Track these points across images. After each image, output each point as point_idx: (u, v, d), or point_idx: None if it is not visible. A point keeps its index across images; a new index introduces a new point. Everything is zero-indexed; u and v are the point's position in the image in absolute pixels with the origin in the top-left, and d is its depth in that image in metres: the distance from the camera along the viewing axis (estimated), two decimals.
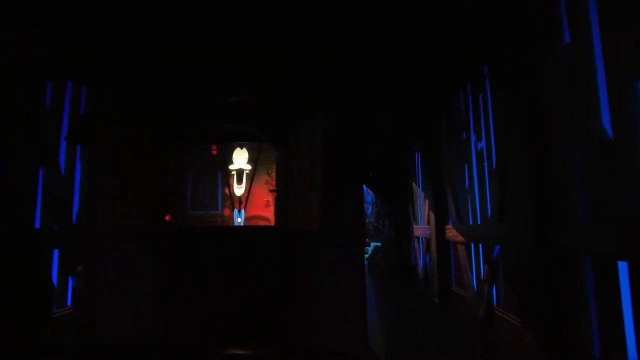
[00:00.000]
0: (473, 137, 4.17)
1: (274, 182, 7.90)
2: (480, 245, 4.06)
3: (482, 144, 3.92)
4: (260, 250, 3.48)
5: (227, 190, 9.13)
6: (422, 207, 6.45)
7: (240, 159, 8.74)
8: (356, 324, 3.13)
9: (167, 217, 4.75)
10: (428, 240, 6.11)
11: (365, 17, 3.29)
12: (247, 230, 5.98)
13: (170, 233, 3.76)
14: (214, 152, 9.04)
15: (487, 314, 3.72)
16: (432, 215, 5.36)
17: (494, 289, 3.70)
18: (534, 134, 2.70)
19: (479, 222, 4.05)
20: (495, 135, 3.64)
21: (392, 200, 8.28)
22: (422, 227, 6.36)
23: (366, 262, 8.55)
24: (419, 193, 6.84)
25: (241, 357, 3.04)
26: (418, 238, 6.91)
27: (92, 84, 4.39)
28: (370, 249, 9.99)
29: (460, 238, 4.45)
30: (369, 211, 12.02)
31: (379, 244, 9.70)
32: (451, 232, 4.79)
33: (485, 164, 3.86)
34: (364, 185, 8.36)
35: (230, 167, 8.84)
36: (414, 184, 7.19)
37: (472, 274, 4.27)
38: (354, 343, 3.10)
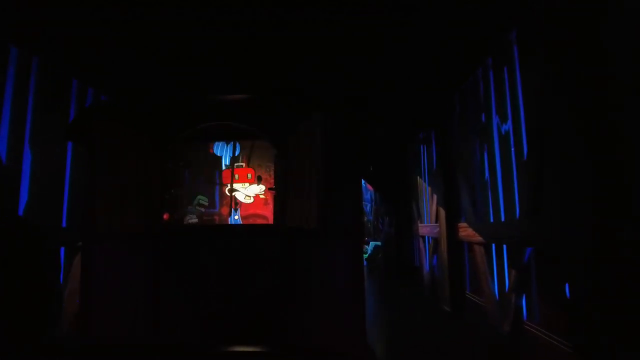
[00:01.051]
0: (495, 119, 3.54)
1: (272, 180, 7.60)
2: (504, 246, 3.44)
3: (508, 126, 3.29)
4: (259, 249, 3.45)
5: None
6: (429, 203, 5.83)
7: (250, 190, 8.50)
8: (355, 323, 3.15)
9: (165, 216, 4.93)
10: (436, 240, 5.49)
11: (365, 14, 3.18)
12: (246, 228, 5.67)
13: (169, 232, 3.75)
14: (211, 151, 8.64)
15: (515, 329, 3.10)
16: (442, 212, 4.73)
17: (524, 300, 3.08)
18: (595, 101, 2.07)
19: (502, 219, 3.43)
20: (526, 113, 3.02)
21: (393, 196, 7.66)
22: (429, 226, 5.73)
23: (365, 263, 8.01)
24: (424, 188, 6.22)
25: (241, 357, 3.07)
26: (423, 237, 6.29)
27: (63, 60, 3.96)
28: (369, 248, 9.38)
29: (478, 238, 3.83)
30: (367, 209, 11.41)
31: (379, 243, 9.09)
32: (466, 231, 4.16)
33: (512, 149, 3.24)
34: (362, 182, 7.85)
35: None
36: (418, 178, 6.57)
37: (494, 280, 3.65)
38: (353, 342, 3.12)
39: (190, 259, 3.47)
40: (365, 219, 10.98)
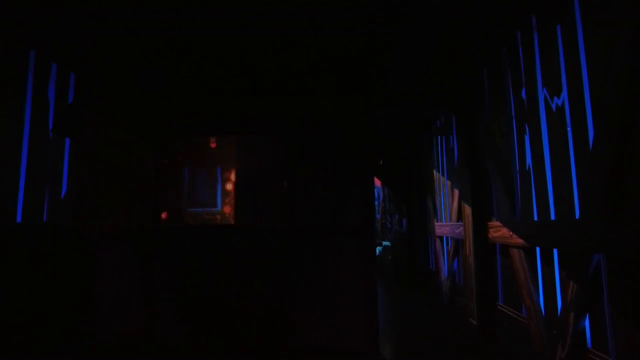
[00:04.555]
0: (542, 93, 2.85)
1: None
2: (554, 251, 2.76)
3: (562, 99, 2.60)
4: (261, 249, 3.37)
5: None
6: (449, 199, 5.14)
7: None
8: (365, 323, 3.09)
9: (163, 215, 4.73)
10: (457, 242, 4.81)
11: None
12: (248, 228, 5.44)
13: (166, 232, 3.64)
14: (213, 146, 8.04)
15: (573, 356, 2.42)
16: (468, 209, 4.04)
17: (588, 321, 2.40)
18: None
19: (552, 218, 2.74)
20: (591, 80, 2.33)
21: (405, 191, 6.98)
22: (448, 225, 5.05)
23: None
24: (442, 182, 5.53)
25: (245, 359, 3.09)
26: (441, 238, 5.60)
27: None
28: (378, 249, 8.72)
29: (517, 240, 3.14)
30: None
31: (388, 243, 8.43)
32: (499, 231, 3.48)
33: (569, 128, 2.55)
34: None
35: None
36: (435, 171, 5.88)
37: (539, 292, 2.97)
38: (362, 342, 3.06)
39: (189, 260, 3.38)
40: None
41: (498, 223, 3.51)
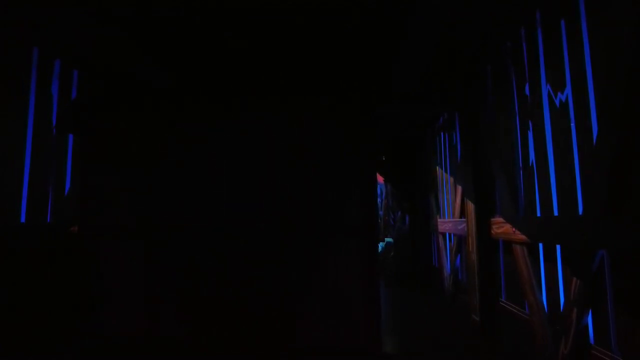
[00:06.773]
0: (546, 88, 2.83)
1: None
2: (557, 247, 2.74)
3: (566, 94, 2.58)
4: (262, 247, 3.37)
5: None
6: (452, 196, 5.13)
7: None
8: (365, 323, 3.10)
9: None
10: (460, 238, 4.80)
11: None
12: (247, 228, 5.58)
13: (166, 230, 3.63)
14: None
15: (576, 353, 2.42)
16: (471, 206, 4.03)
17: (591, 317, 2.39)
18: None
19: (555, 214, 2.73)
20: (595, 76, 2.30)
21: (408, 188, 6.96)
22: (451, 221, 5.04)
23: None
24: (445, 179, 5.51)
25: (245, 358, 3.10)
26: (444, 234, 5.59)
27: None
28: (381, 245, 8.72)
29: (519, 236, 3.13)
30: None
31: (391, 240, 8.43)
32: (502, 228, 3.47)
33: (572, 124, 2.53)
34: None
35: None
36: (438, 167, 5.86)
37: (541, 288, 2.96)
38: (362, 342, 3.07)
39: (189, 260, 3.38)
40: None
41: (501, 219, 3.50)
